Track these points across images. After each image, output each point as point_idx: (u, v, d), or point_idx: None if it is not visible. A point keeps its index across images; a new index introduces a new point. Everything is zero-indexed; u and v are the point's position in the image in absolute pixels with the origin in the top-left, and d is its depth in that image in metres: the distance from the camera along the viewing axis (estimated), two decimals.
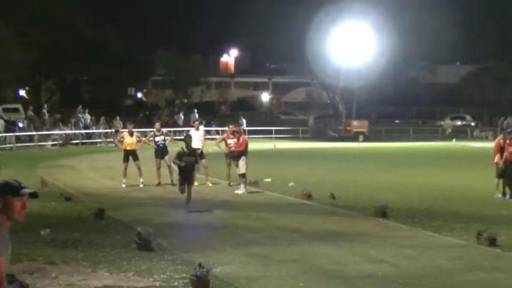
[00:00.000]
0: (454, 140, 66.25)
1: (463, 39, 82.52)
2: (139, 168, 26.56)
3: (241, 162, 24.69)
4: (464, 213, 19.99)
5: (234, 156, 25.20)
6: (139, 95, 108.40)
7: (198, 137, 27.61)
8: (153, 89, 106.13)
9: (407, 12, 75.33)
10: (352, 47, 70.91)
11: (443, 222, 18.28)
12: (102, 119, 60.56)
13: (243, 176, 24.56)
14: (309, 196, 22.83)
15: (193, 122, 30.76)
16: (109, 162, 37.92)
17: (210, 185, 26.66)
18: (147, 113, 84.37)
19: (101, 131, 58.00)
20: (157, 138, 27.04)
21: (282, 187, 25.63)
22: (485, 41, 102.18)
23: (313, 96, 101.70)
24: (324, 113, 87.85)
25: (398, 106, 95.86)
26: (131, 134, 27.38)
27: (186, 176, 20.24)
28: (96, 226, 17.20)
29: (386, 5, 72.10)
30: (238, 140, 25.59)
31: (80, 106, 59.69)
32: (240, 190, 24.34)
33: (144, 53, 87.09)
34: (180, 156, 20.33)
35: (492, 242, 15.13)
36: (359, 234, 16.02)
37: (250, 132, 60.92)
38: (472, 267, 13.20)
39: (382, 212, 18.94)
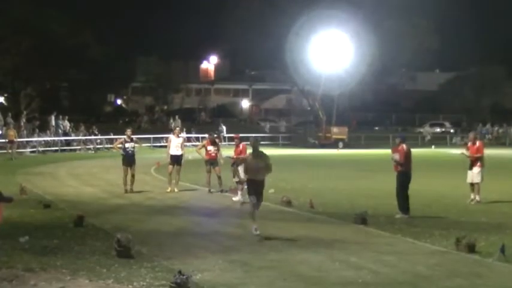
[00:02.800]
0: (433, 146, 66.53)
1: (443, 47, 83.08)
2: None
3: (240, 169, 24.71)
4: (443, 220, 20.07)
5: (234, 162, 25.18)
6: (119, 101, 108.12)
7: (177, 143, 27.67)
8: (133, 96, 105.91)
9: (387, 20, 75.76)
10: (332, 54, 71.16)
11: (422, 228, 18.34)
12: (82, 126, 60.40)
13: (240, 182, 24.55)
14: (288, 203, 22.86)
15: (174, 129, 30.68)
16: (89, 169, 37.85)
17: (176, 190, 26.72)
18: (127, 119, 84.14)
19: (80, 137, 57.77)
20: (127, 145, 26.92)
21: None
22: (464, 48, 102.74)
23: (293, 103, 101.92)
24: (304, 119, 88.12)
25: (378, 113, 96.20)
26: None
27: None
28: (76, 233, 17.10)
29: (366, 13, 72.44)
30: (237, 147, 25.64)
31: (55, 113, 59.40)
32: (237, 197, 24.37)
33: (124, 59, 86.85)
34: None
35: (471, 249, 15.18)
36: (339, 241, 16.04)
37: (230, 139, 60.84)
38: (451, 274, 13.23)
39: (362, 219, 18.98)
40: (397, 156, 21.14)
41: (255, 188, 17.25)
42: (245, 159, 17.85)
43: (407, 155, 21.25)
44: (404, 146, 21.45)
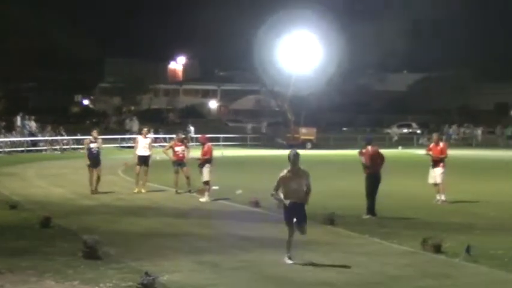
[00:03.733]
0: (400, 147, 66.81)
1: (412, 48, 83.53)
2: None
3: (205, 169, 24.76)
4: (411, 220, 20.15)
5: (200, 163, 25.14)
6: (86, 102, 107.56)
7: (145, 144, 27.59)
8: (101, 96, 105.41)
9: (355, 21, 75.96)
10: (301, 55, 71.23)
11: (390, 229, 18.39)
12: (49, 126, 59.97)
13: (206, 183, 24.58)
14: (256, 204, 22.84)
15: (142, 130, 30.53)
16: (57, 170, 37.58)
17: (143, 191, 26.65)
18: (94, 120, 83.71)
19: (47, 138, 57.33)
20: (92, 145, 26.77)
21: (230, 195, 25.58)
22: (434, 50, 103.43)
23: (262, 104, 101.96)
24: (274, 120, 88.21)
25: (347, 114, 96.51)
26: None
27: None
28: (43, 234, 16.95)
29: (335, 14, 72.54)
30: (203, 148, 25.60)
31: (21, 113, 58.98)
32: (204, 198, 24.38)
33: (91, 60, 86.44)
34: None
35: (437, 249, 15.25)
36: (308, 242, 16.02)
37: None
38: (420, 274, 13.28)
39: (330, 220, 19.00)
40: (363, 159, 21.27)
41: (295, 213, 14.26)
42: (281, 178, 14.33)
43: (373, 157, 21.36)
44: (369, 148, 21.56)
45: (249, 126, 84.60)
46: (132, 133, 62.06)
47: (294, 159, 14.37)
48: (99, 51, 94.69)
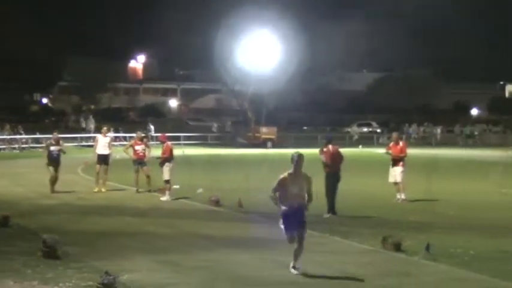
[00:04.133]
0: (360, 146, 67.13)
1: (371, 48, 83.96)
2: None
3: (166, 168, 24.70)
4: (372, 219, 20.23)
5: (160, 162, 25.08)
6: (44, 100, 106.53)
7: (105, 143, 27.48)
8: (60, 95, 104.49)
9: (316, 20, 76.25)
10: (261, 54, 71.28)
11: (350, 228, 18.46)
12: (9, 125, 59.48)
13: (167, 182, 24.51)
14: (217, 203, 22.81)
15: (102, 128, 30.34)
16: (16, 169, 37.25)
17: (103, 190, 26.58)
18: (53, 119, 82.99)
19: (5, 137, 56.79)
20: (52, 148, 26.60)
21: (191, 193, 25.53)
22: (394, 50, 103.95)
23: (223, 103, 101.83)
24: (236, 119, 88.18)
25: (308, 113, 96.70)
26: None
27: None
28: (1, 234, 16.76)
29: (295, 14, 72.74)
30: (163, 147, 25.58)
31: None
32: (165, 197, 24.32)
33: (50, 58, 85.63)
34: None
35: (397, 247, 15.33)
36: (268, 241, 16.02)
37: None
38: (381, 273, 13.33)
39: None
40: (323, 158, 21.34)
41: (295, 219, 13.18)
42: (281, 180, 13.29)
43: (334, 156, 21.46)
44: (330, 147, 21.65)
45: (215, 125, 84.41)
46: (87, 132, 61.67)
47: (298, 161, 13.44)
48: (59, 50, 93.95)
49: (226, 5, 71.95)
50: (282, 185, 13.24)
